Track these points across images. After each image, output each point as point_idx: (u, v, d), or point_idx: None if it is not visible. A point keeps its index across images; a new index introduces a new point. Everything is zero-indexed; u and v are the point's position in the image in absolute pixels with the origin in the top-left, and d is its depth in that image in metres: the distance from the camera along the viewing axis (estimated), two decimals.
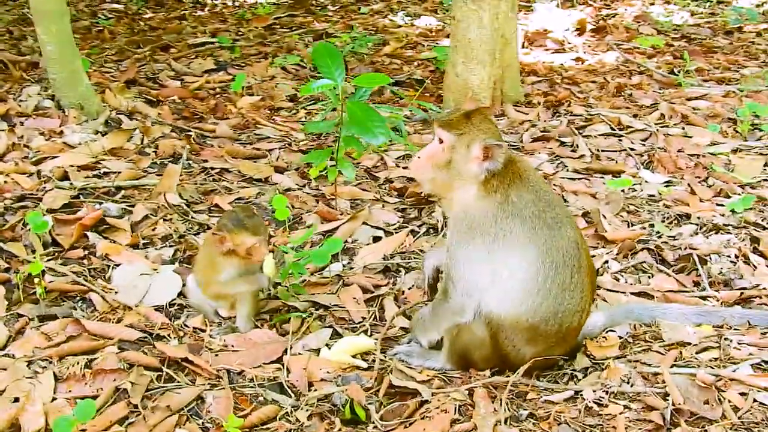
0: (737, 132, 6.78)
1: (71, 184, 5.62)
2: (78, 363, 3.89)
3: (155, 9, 11.51)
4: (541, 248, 3.69)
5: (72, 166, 5.90)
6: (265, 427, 3.62)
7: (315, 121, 6.60)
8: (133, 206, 5.38)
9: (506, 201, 3.70)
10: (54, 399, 3.70)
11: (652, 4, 11.75)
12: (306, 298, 4.55)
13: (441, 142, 3.78)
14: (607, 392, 3.71)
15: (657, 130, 6.77)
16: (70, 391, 3.77)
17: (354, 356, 4.07)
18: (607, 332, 4.15)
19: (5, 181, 5.61)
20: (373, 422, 3.62)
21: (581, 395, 3.70)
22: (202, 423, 3.62)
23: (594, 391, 3.72)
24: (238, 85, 7.73)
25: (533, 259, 3.69)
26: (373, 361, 4.03)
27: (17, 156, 6.00)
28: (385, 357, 4.05)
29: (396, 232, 5.24)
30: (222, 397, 3.75)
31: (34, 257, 4.65)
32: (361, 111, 4.97)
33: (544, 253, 3.69)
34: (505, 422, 3.55)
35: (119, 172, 5.85)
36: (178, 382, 3.86)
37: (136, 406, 3.68)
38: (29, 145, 6.20)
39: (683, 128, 6.87)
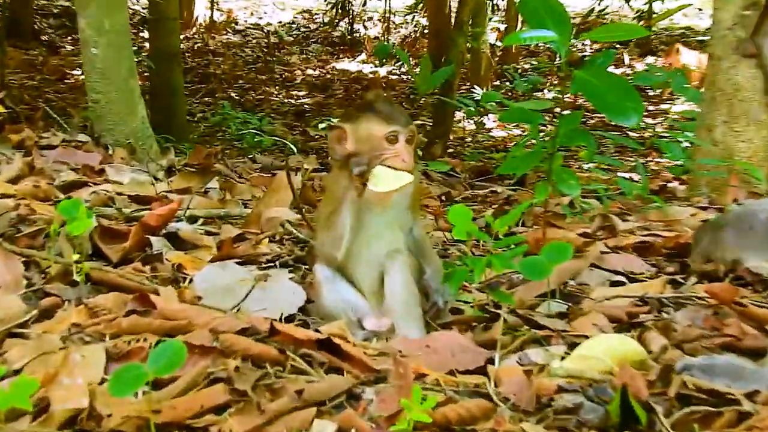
0: None
1: (118, 209, 5.35)
2: (146, 339, 3.48)
3: None
4: None
5: (120, 194, 5.67)
6: (468, 427, 3.09)
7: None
8: (218, 233, 5.08)
9: None
10: (104, 380, 3.24)
11: None
12: (512, 309, 4.13)
13: None
14: None
15: None
16: None
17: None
18: None
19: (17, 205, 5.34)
20: (659, 430, 3.07)
21: None
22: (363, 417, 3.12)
23: None
24: None
25: None
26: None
27: (38, 180, 5.79)
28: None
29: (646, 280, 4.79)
30: (389, 392, 3.24)
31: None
32: (601, 81, 4.64)
33: None
34: None
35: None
36: (312, 376, 3.39)
37: (243, 393, 3.20)
38: (54, 176, 6.02)
39: None
